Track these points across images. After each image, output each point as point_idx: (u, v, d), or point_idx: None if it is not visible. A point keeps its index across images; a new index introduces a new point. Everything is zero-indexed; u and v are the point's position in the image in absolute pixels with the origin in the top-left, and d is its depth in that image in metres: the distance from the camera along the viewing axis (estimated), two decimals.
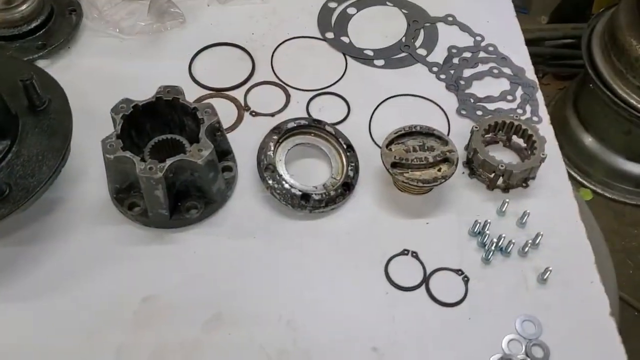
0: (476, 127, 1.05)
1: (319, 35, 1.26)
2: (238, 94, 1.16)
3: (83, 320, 0.90)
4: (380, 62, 1.22)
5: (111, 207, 1.00)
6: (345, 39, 1.26)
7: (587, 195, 2.20)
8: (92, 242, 0.97)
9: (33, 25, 1.17)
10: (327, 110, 1.15)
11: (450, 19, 1.29)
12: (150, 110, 0.98)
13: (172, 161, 0.90)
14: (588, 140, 2.16)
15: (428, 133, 1.03)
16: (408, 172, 1.00)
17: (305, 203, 0.99)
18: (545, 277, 0.94)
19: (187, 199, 0.99)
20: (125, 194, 0.98)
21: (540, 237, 0.97)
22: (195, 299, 0.92)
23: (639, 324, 1.98)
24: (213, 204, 0.99)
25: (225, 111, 1.11)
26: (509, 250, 0.97)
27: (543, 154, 1.02)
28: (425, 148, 1.02)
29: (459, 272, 0.96)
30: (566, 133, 2.19)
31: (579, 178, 2.21)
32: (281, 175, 1.01)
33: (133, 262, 0.95)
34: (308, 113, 1.15)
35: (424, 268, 0.97)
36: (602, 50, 1.98)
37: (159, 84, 0.98)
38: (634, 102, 1.89)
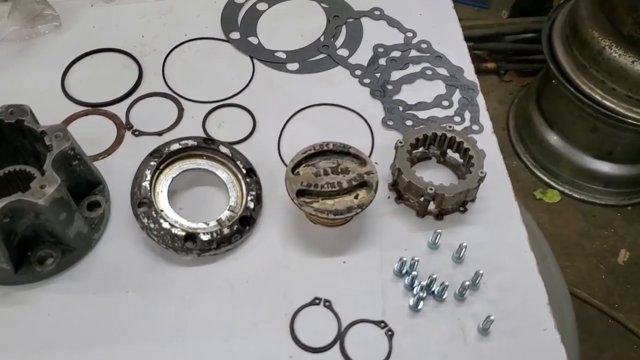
0: (400, 142, 0.87)
1: (222, 36, 1.07)
2: (119, 110, 0.97)
3: None
4: (294, 66, 1.04)
5: None
6: (253, 40, 1.07)
7: (555, 196, 2.10)
8: None
9: None
10: (228, 126, 0.97)
11: (377, 12, 1.11)
12: None
13: (5, 203, 0.70)
14: (553, 139, 2.04)
15: (343, 152, 0.85)
16: (318, 201, 0.81)
17: (191, 245, 0.80)
18: (487, 326, 0.77)
19: (39, 247, 0.80)
20: None
21: (480, 276, 0.79)
22: None
23: (613, 332, 1.85)
24: (73, 251, 0.79)
25: (102, 131, 0.94)
26: (442, 294, 0.79)
27: (481, 172, 0.84)
28: (339, 170, 0.84)
29: (381, 324, 0.78)
30: (531, 132, 2.08)
31: (545, 179, 2.10)
32: (161, 211, 0.82)
33: None
34: (205, 130, 0.95)
35: (338, 321, 0.78)
36: (564, 43, 1.86)
37: (25, 101, 0.81)
38: (599, 98, 1.78)
